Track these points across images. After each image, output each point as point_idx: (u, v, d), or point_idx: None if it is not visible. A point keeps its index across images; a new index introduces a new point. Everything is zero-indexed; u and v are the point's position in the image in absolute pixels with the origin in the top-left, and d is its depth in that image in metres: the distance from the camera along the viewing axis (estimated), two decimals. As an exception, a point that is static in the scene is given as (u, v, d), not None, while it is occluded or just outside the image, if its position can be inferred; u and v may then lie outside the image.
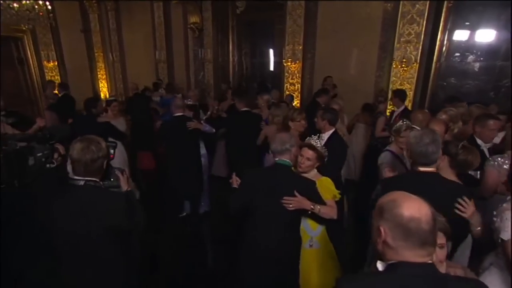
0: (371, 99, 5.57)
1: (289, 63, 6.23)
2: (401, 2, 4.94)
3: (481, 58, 4.75)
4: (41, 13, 5.68)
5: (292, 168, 2.22)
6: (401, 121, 2.84)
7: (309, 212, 2.05)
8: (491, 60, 4.66)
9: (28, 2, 5.45)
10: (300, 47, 6.09)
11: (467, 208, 1.72)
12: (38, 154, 1.85)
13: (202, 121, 4.22)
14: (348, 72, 5.98)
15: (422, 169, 1.86)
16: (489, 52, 4.65)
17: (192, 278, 3.16)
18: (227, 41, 7.37)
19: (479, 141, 2.67)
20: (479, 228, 1.77)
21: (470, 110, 3.33)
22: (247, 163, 3.62)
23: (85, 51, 9.25)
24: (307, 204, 2.01)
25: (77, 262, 1.69)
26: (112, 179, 1.91)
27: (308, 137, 2.51)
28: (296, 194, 1.99)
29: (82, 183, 1.65)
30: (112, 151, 1.94)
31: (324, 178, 2.34)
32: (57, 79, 8.95)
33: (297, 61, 6.17)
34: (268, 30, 7.19)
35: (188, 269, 3.32)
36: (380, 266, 1.05)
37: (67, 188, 1.69)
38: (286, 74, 6.32)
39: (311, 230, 2.36)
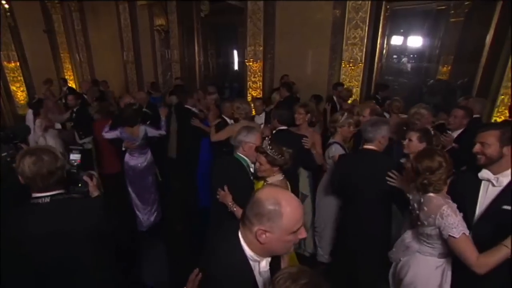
0: (325, 95, 5.90)
1: (251, 63, 6.36)
2: (347, 9, 5.27)
3: (413, 61, 5.27)
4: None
5: (250, 163, 2.07)
6: (340, 113, 2.97)
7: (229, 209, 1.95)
8: (419, 62, 5.19)
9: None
10: (261, 48, 6.24)
11: (396, 179, 2.03)
12: (3, 154, 1.75)
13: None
14: (304, 71, 6.23)
15: (365, 146, 2.27)
16: (418, 55, 5.17)
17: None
18: (193, 43, 7.36)
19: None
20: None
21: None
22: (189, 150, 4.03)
23: (50, 52, 8.74)
24: (227, 201, 1.95)
25: (61, 278, 1.48)
26: (80, 185, 1.69)
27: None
28: (225, 188, 1.97)
29: (47, 199, 1.41)
30: (79, 155, 1.80)
31: None
32: (20, 79, 8.41)
33: (258, 61, 6.32)
34: (231, 32, 7.28)
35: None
36: None
37: (31, 209, 1.40)
38: (248, 73, 6.45)
39: None
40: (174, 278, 2.95)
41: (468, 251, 1.47)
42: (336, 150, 2.75)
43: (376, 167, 2.17)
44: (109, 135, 3.34)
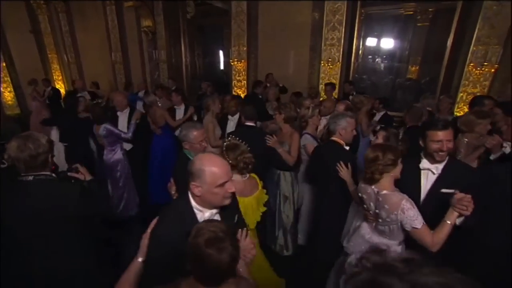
0: (305, 92, 6.11)
1: (236, 63, 6.47)
2: (325, 12, 5.46)
3: (386, 61, 5.54)
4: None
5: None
6: (305, 110, 3.29)
7: None
8: (391, 62, 5.47)
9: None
10: (245, 48, 6.34)
11: (342, 171, 2.25)
12: None
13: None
14: (286, 70, 6.37)
15: (331, 138, 2.48)
16: (390, 55, 5.45)
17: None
18: (180, 43, 7.41)
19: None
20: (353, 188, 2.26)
21: None
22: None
23: (37, 53, 8.59)
24: (171, 191, 2.12)
25: (39, 252, 1.59)
26: (73, 182, 1.80)
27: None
28: (171, 180, 2.12)
29: (31, 178, 1.54)
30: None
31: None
32: (7, 80, 8.28)
33: (243, 61, 6.42)
34: (217, 33, 7.38)
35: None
36: None
37: (17, 186, 1.55)
38: (233, 72, 6.56)
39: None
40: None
41: (427, 236, 1.57)
42: (305, 140, 3.02)
43: (334, 157, 2.34)
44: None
